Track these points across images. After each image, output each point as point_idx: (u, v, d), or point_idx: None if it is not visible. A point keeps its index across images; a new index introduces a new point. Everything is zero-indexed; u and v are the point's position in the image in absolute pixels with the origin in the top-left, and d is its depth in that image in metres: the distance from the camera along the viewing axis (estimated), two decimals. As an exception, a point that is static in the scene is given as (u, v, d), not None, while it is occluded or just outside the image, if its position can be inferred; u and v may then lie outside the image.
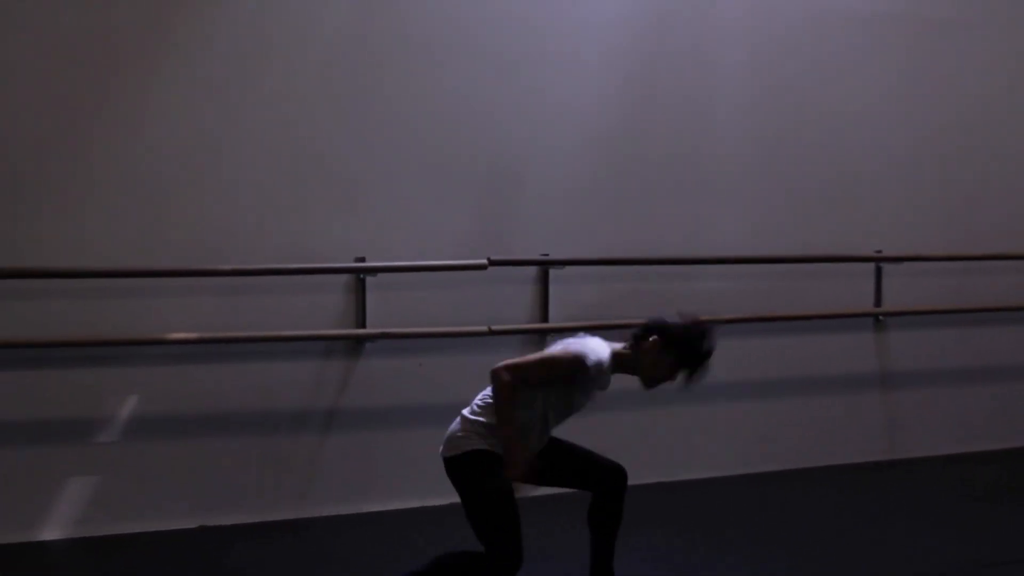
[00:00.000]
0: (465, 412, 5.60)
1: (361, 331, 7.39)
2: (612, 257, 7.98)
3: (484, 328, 7.55)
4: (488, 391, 5.56)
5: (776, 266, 8.46)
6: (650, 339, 5.41)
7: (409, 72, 7.52)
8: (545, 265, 7.79)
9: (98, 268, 6.83)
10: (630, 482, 5.71)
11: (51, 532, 6.90)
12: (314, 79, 7.33)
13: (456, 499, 7.26)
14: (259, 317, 7.20)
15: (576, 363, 5.35)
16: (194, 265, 7.04)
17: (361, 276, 7.39)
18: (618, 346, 5.51)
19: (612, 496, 5.68)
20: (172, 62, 7.05)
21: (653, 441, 8.19)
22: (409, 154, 7.53)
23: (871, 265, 8.80)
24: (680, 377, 5.45)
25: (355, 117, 7.41)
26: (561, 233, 7.89)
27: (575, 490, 5.79)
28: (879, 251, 8.76)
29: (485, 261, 7.43)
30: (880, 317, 8.84)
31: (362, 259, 7.34)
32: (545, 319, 7.80)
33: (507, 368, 5.36)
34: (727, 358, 8.35)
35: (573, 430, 5.78)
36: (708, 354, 5.43)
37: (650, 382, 5.50)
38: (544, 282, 7.83)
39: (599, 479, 5.69)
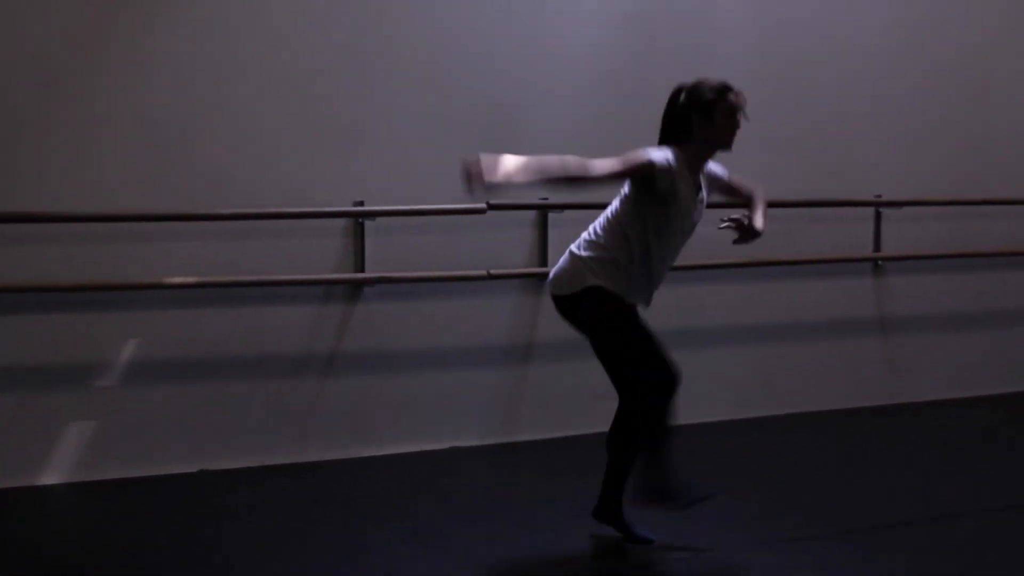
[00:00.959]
0: (573, 248, 5.64)
1: (360, 275, 7.38)
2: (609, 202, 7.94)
3: (483, 272, 7.54)
4: (593, 226, 5.64)
5: (775, 210, 8.42)
6: (689, 121, 5.53)
7: (409, 15, 7.48)
8: (544, 209, 7.77)
9: (97, 212, 6.81)
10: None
11: (51, 477, 6.91)
12: (315, 23, 7.28)
13: (456, 442, 7.31)
14: (258, 261, 7.19)
15: (646, 166, 5.39)
16: (194, 209, 7.02)
17: (360, 220, 7.37)
18: (669, 152, 5.50)
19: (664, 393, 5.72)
20: (175, 2, 7.00)
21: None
22: (408, 98, 7.50)
23: (871, 210, 8.78)
24: (735, 115, 5.57)
25: (354, 62, 7.38)
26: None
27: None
28: (879, 195, 8.74)
29: (484, 205, 7.41)
30: (879, 262, 8.84)
31: (361, 203, 7.32)
32: (544, 263, 7.79)
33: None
34: (725, 302, 8.41)
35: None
36: (727, 87, 5.59)
37: (726, 143, 5.58)
38: (543, 226, 7.82)
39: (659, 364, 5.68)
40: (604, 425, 5.67)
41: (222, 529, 6.19)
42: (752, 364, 8.54)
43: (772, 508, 6.53)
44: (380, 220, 7.36)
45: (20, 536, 6.11)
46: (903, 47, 8.86)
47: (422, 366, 7.60)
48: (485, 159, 5.02)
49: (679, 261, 5.93)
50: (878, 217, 8.80)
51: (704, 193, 5.68)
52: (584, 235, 5.68)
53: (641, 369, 5.55)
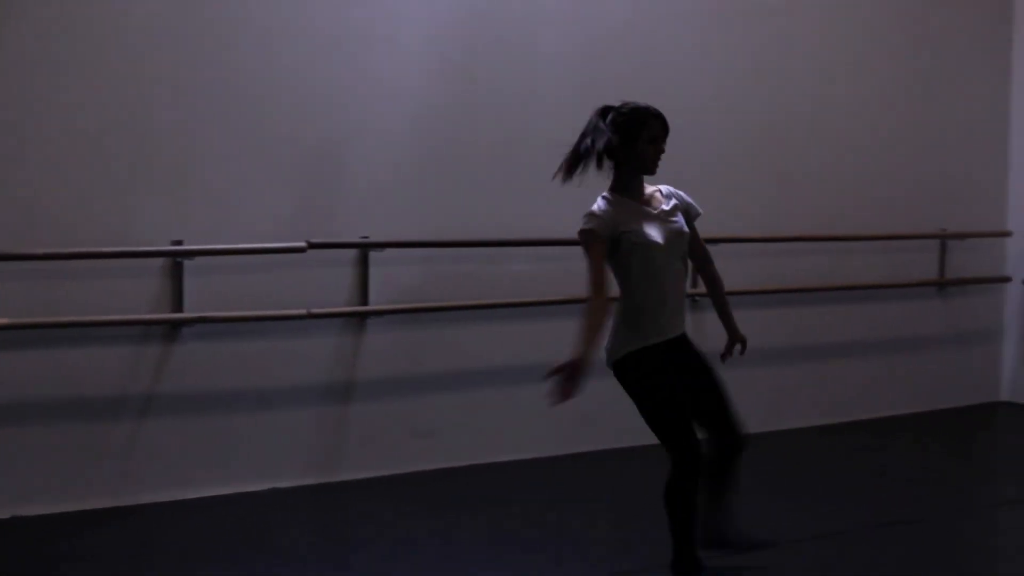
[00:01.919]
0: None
1: (178, 315, 7.28)
2: (433, 240, 7.99)
3: (303, 311, 7.50)
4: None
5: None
6: (611, 152, 5.63)
7: (230, 51, 7.42)
8: (364, 248, 7.76)
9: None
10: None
11: None
12: (133, 58, 7.18)
13: (276, 483, 7.29)
14: (74, 301, 7.05)
15: (589, 235, 5.58)
16: (5, 248, 6.86)
17: (178, 260, 7.28)
18: (598, 203, 5.68)
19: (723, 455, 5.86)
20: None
21: (481, 420, 8.23)
22: (229, 135, 7.44)
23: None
24: (659, 141, 5.67)
25: (174, 98, 7.29)
26: (382, 215, 7.85)
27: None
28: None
29: (304, 244, 7.38)
30: (696, 298, 8.97)
31: (179, 242, 7.23)
32: (365, 301, 7.78)
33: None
34: (547, 339, 8.44)
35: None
36: (647, 110, 5.67)
37: (650, 167, 5.68)
38: (364, 264, 7.81)
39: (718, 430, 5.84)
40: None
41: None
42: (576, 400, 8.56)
43: (650, 535, 6.60)
44: (199, 259, 7.28)
45: None
46: (724, 97, 9.05)
47: (242, 406, 7.52)
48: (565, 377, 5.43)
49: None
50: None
51: (666, 206, 5.73)
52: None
53: (672, 446, 5.68)
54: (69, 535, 6.73)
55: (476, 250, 8.12)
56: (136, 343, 7.26)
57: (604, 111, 5.69)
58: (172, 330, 7.32)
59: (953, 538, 6.93)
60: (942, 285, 10.28)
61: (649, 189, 5.75)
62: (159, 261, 7.27)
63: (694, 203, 5.87)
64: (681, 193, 5.86)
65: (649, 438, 8.35)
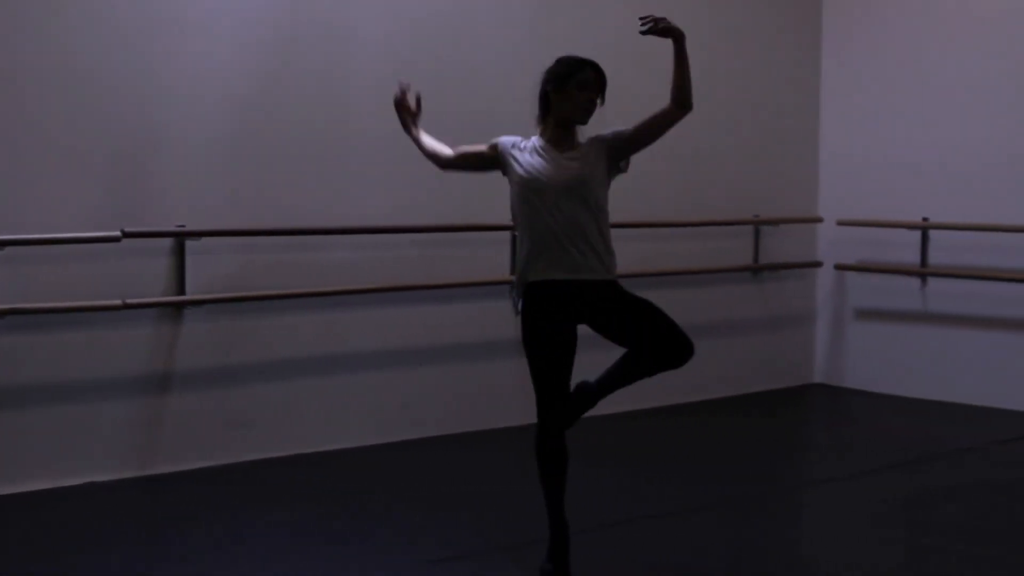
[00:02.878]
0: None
1: (-12, 307, 7.13)
2: (250, 228, 7.92)
3: (118, 302, 7.38)
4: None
5: (415, 236, 8.57)
6: (546, 99, 5.77)
7: (36, 38, 7.24)
8: (180, 237, 7.66)
9: None
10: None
11: None
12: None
13: (92, 477, 7.17)
14: None
15: (490, 146, 5.87)
16: None
17: (-12, 250, 7.12)
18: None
19: (658, 357, 5.87)
20: None
21: (300, 411, 8.20)
22: (38, 125, 7.27)
23: (507, 233, 8.92)
24: (590, 89, 5.76)
25: (-22, 85, 7.14)
26: (199, 204, 7.75)
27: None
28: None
29: (118, 233, 7.27)
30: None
31: (-12, 233, 7.08)
32: (182, 291, 7.69)
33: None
34: (368, 327, 8.46)
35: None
36: (582, 60, 5.81)
37: (582, 117, 5.76)
38: (180, 254, 7.70)
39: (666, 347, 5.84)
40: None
41: None
42: (395, 387, 8.60)
43: (442, 529, 6.67)
44: (11, 249, 7.09)
45: None
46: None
47: (56, 399, 7.38)
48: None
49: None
50: (515, 240, 8.99)
51: (579, 159, 5.74)
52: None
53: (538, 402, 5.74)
54: None
55: (295, 238, 8.07)
56: (-56, 336, 7.10)
57: (544, 82, 5.82)
58: (-18, 322, 7.17)
59: (760, 518, 7.08)
60: (756, 270, 10.52)
61: (583, 141, 5.82)
62: (-32, 252, 7.10)
63: (617, 128, 5.85)
64: (604, 132, 5.85)
65: (469, 425, 8.47)
